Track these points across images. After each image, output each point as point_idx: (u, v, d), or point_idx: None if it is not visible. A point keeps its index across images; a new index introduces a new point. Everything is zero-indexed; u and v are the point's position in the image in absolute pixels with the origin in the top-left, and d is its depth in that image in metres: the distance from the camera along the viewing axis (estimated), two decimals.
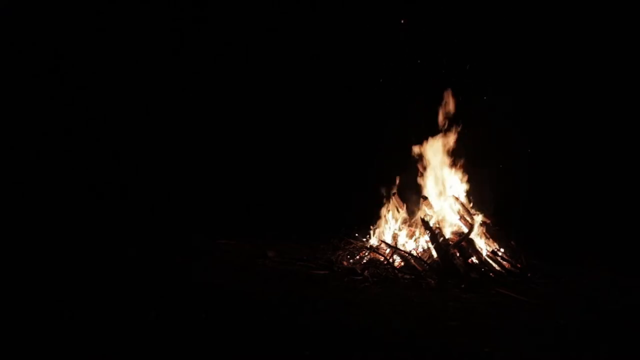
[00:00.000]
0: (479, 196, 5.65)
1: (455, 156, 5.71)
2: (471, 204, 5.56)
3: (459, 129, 5.71)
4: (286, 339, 2.81)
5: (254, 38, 7.76)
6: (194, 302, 3.43)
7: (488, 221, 5.41)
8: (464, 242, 4.92)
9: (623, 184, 6.50)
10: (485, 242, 5.26)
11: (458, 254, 4.77)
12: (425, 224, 5.12)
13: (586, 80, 6.56)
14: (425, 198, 5.61)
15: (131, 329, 2.87)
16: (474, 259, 4.85)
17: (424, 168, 5.79)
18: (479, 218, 5.35)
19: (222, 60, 7.89)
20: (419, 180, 5.82)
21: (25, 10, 7.16)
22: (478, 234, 5.25)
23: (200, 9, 7.70)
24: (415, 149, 5.84)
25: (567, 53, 6.62)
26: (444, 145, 5.73)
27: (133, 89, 7.59)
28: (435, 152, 5.75)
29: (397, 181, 5.87)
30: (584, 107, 6.65)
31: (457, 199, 5.48)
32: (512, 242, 5.27)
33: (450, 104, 5.78)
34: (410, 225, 5.53)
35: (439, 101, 5.82)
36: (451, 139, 5.72)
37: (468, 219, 5.24)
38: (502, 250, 5.16)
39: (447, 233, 5.19)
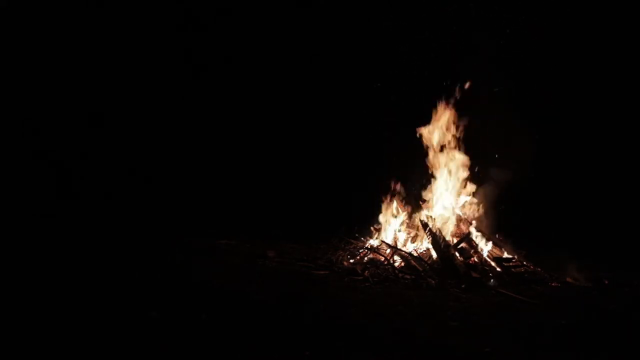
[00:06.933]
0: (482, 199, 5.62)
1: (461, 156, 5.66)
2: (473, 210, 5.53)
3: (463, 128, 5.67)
4: (286, 339, 2.81)
5: (256, 39, 7.77)
6: (194, 302, 3.43)
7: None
8: (463, 242, 4.92)
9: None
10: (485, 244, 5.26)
11: (458, 255, 4.77)
12: (425, 225, 5.12)
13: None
14: (425, 200, 5.61)
15: (132, 329, 2.87)
16: (475, 259, 4.85)
17: (430, 170, 5.77)
18: (476, 220, 5.34)
19: (223, 60, 7.89)
20: (422, 180, 5.80)
21: (25, 10, 7.16)
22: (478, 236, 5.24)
23: (202, 10, 7.71)
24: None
25: (571, 53, 6.55)
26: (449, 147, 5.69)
27: (133, 90, 7.59)
28: (440, 154, 5.72)
29: (398, 182, 5.86)
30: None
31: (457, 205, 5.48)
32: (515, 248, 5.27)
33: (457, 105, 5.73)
34: (410, 227, 5.53)
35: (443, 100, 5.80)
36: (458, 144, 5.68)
37: (467, 221, 5.24)
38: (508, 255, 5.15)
39: (447, 234, 5.18)
